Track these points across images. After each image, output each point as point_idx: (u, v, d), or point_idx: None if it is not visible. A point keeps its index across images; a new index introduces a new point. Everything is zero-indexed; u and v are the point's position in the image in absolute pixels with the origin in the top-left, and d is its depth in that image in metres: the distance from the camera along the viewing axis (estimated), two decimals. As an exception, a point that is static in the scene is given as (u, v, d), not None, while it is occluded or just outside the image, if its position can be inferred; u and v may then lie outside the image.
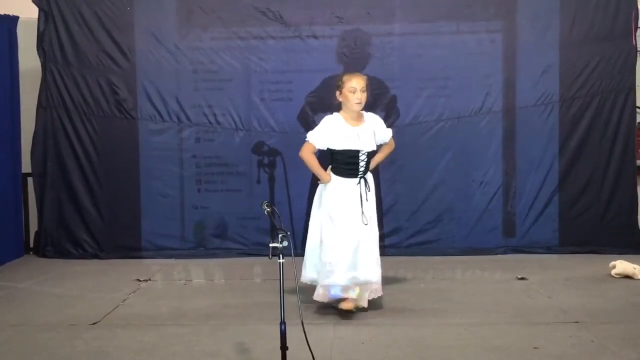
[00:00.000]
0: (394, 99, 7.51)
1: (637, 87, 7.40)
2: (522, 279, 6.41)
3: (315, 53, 7.51)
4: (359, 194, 5.36)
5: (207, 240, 7.64)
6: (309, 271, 5.49)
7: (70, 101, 7.52)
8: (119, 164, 7.55)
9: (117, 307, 5.70)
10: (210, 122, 7.56)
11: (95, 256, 7.52)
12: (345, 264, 5.26)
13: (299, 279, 5.41)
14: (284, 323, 3.92)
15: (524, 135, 7.47)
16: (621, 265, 6.42)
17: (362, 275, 5.29)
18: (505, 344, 4.69)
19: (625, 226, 7.43)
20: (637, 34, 7.34)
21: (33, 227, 7.80)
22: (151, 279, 6.66)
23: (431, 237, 7.52)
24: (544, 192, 7.45)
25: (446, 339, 4.81)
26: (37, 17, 7.47)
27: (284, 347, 3.91)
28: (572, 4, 7.36)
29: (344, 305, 5.30)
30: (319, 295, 5.38)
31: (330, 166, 5.49)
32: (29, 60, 7.53)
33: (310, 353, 4.09)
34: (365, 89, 5.33)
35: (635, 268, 6.37)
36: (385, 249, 7.39)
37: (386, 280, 6.42)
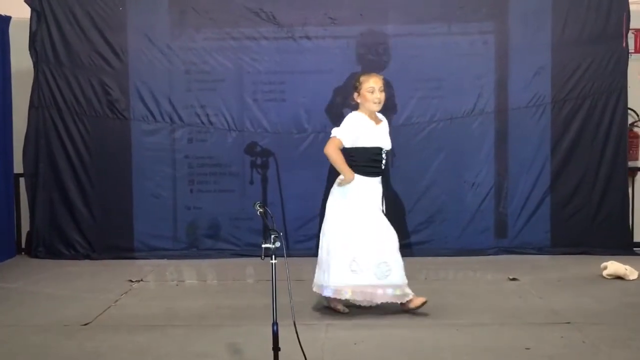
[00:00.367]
0: (387, 99, 7.49)
1: (628, 89, 7.43)
2: (513, 279, 6.42)
3: (308, 54, 7.53)
4: (381, 193, 5.37)
5: (199, 241, 7.64)
6: (336, 276, 5.32)
7: (62, 101, 7.51)
8: (111, 164, 7.54)
9: (109, 307, 5.69)
10: (202, 123, 7.56)
11: (87, 257, 7.51)
12: (372, 263, 5.25)
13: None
14: (277, 324, 3.92)
15: (516, 136, 7.50)
16: (613, 266, 6.44)
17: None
18: (497, 344, 4.71)
19: (616, 227, 7.47)
20: (628, 36, 7.37)
21: (25, 227, 7.78)
22: (143, 279, 6.65)
23: (423, 238, 7.54)
24: (536, 193, 7.48)
25: (438, 339, 4.82)
26: (29, 17, 7.45)
27: (276, 348, 3.91)
28: (564, 6, 7.39)
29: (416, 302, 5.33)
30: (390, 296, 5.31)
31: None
32: (21, 60, 7.51)
33: (302, 354, 4.10)
34: (382, 88, 5.34)
35: (626, 269, 6.40)
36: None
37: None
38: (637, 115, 7.80)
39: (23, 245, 7.80)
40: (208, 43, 7.54)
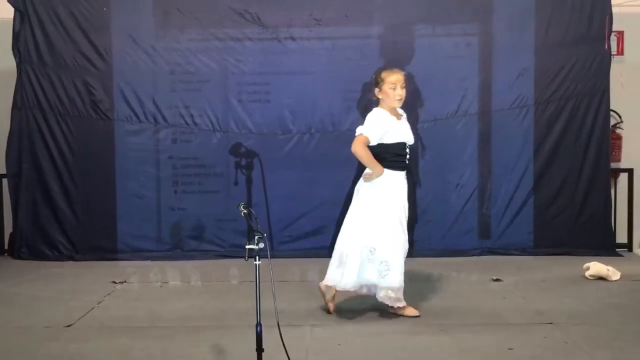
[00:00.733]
0: (371, 101, 7.52)
1: (611, 91, 7.48)
2: (497, 280, 6.45)
3: (293, 55, 7.52)
4: (406, 187, 5.39)
5: (183, 242, 7.62)
6: (352, 275, 5.32)
7: (45, 102, 7.47)
8: (95, 165, 7.51)
9: (92, 309, 5.66)
10: (187, 124, 7.54)
11: (70, 258, 7.47)
12: (403, 262, 5.29)
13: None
14: (260, 325, 3.92)
15: (499, 137, 7.53)
16: (595, 267, 6.48)
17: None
18: (480, 344, 4.73)
19: (599, 228, 7.51)
20: (610, 38, 7.42)
21: (8, 228, 7.74)
22: (127, 281, 6.62)
23: (408, 239, 7.53)
24: (519, 194, 7.51)
25: (422, 340, 4.84)
26: (12, 17, 7.40)
27: (259, 349, 3.91)
28: (547, 8, 7.43)
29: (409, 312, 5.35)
30: (388, 297, 5.30)
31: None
32: (4, 60, 7.49)
33: (286, 355, 4.10)
34: (404, 85, 5.34)
35: (609, 269, 6.44)
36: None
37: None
38: (620, 117, 7.85)
39: (6, 246, 7.76)
40: (192, 44, 7.52)
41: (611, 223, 7.63)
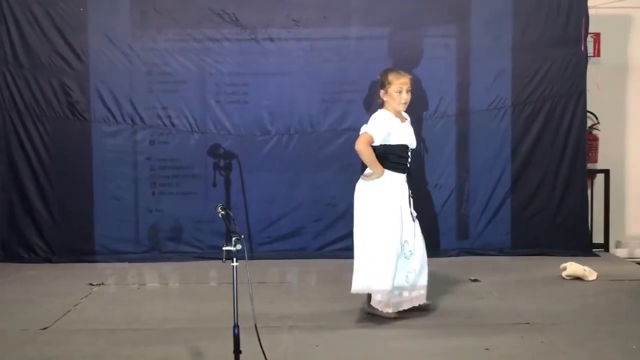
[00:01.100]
0: (350, 102, 7.54)
1: (587, 92, 7.54)
2: (475, 280, 6.48)
3: (272, 56, 7.52)
4: (407, 190, 5.35)
5: (161, 244, 7.58)
6: (359, 280, 5.29)
7: (21, 102, 7.41)
8: (72, 166, 7.46)
9: (69, 311, 5.62)
10: (164, 125, 7.51)
11: (47, 260, 7.40)
12: (393, 266, 5.23)
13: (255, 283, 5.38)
14: (237, 327, 3.91)
15: (477, 138, 7.57)
16: (572, 267, 6.53)
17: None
18: (457, 345, 4.74)
19: (576, 228, 7.57)
20: (587, 40, 7.48)
21: (-16, 230, 7.67)
22: (104, 283, 6.58)
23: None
24: (497, 194, 7.55)
25: (400, 340, 4.85)
26: (-13, 17, 7.35)
27: (237, 351, 3.90)
28: (524, 11, 7.48)
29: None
30: (381, 303, 5.27)
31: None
32: (-21, 61, 7.41)
33: (264, 357, 4.09)
34: (410, 88, 5.32)
35: (585, 270, 6.48)
36: (342, 251, 7.44)
37: (342, 282, 6.45)
38: (596, 118, 7.92)
39: (-19, 249, 7.68)
40: (170, 44, 7.49)
41: (588, 223, 7.69)
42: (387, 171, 5.27)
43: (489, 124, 7.54)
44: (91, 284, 6.47)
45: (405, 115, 5.48)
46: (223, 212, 4.16)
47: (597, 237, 7.83)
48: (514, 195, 7.58)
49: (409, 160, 5.40)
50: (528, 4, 7.47)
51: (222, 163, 7.56)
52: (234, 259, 3.89)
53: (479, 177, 7.58)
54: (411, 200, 5.40)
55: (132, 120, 7.49)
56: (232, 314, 3.93)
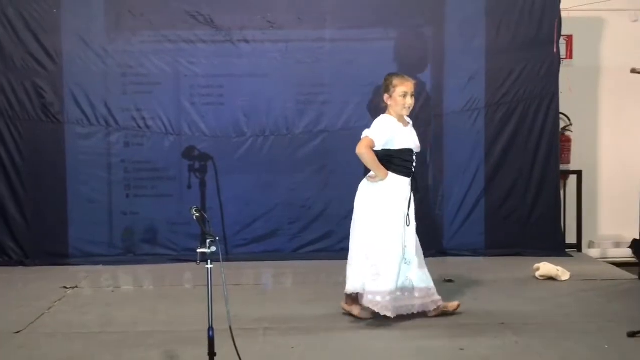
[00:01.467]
0: (325, 104, 7.56)
1: (560, 94, 7.61)
2: (449, 281, 6.50)
3: (247, 57, 7.51)
4: (410, 194, 5.33)
5: (136, 247, 7.54)
6: (356, 280, 5.32)
7: (-6, 105, 7.34)
8: (45, 169, 7.40)
9: (42, 315, 5.58)
10: (139, 127, 7.48)
11: (20, 263, 7.34)
12: (396, 269, 5.23)
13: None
14: (212, 329, 3.90)
15: (451, 140, 7.62)
16: (545, 267, 6.59)
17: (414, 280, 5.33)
18: (432, 345, 4.77)
19: (549, 229, 7.63)
20: (559, 42, 7.56)
21: (-44, 233, 7.58)
22: (78, 286, 6.53)
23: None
24: (471, 195, 7.60)
25: (374, 341, 4.86)
26: (-41, 18, 7.27)
27: (211, 354, 3.90)
28: (498, 13, 7.54)
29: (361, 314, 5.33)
30: (379, 305, 5.24)
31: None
32: (-48, 63, 7.33)
33: (238, 359, 4.09)
34: (414, 93, 5.33)
35: (558, 270, 6.54)
36: (317, 253, 7.47)
37: (318, 284, 6.47)
38: (569, 120, 8.00)
39: (-46, 252, 7.60)
40: (144, 46, 7.46)
41: (561, 224, 7.76)
42: (391, 174, 5.27)
43: (463, 126, 7.58)
44: (65, 287, 6.42)
45: (408, 119, 5.48)
46: (198, 214, 4.16)
47: (570, 238, 7.91)
48: (487, 196, 7.63)
49: (414, 164, 5.39)
50: (501, 6, 7.53)
51: (197, 165, 7.54)
52: (209, 261, 3.89)
53: (453, 178, 7.62)
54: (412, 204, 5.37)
55: (106, 122, 7.44)
56: (206, 316, 3.93)
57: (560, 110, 7.70)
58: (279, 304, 5.84)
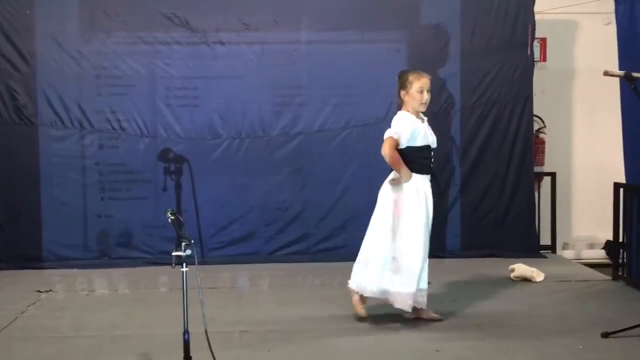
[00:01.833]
0: (301, 106, 7.55)
1: (534, 96, 7.67)
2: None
3: (222, 59, 7.50)
4: (430, 191, 5.28)
5: (111, 250, 7.49)
6: (376, 280, 5.25)
7: (-34, 107, 7.26)
8: (18, 171, 7.32)
9: (15, 319, 5.51)
10: (114, 129, 7.43)
11: (-7, 267, 7.27)
12: (418, 272, 5.20)
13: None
14: (187, 332, 3.89)
15: (427, 142, 7.63)
16: (520, 269, 6.64)
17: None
18: (407, 347, 4.79)
19: (524, 230, 7.69)
20: (533, 45, 7.62)
21: None
22: (52, 289, 6.47)
23: (338, 243, 7.58)
24: (447, 197, 7.62)
25: (351, 343, 4.87)
26: None
27: (187, 357, 3.89)
28: (472, 16, 7.59)
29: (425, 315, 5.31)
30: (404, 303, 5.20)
31: None
32: None
33: (214, 362, 4.08)
34: (429, 89, 5.29)
35: (533, 271, 6.59)
36: (294, 255, 7.46)
37: (294, 287, 6.46)
38: (543, 122, 8.06)
39: None
40: (119, 47, 7.41)
41: (535, 225, 7.82)
42: (413, 174, 5.21)
43: (438, 128, 7.54)
44: (39, 291, 6.36)
45: (423, 115, 5.41)
46: (173, 217, 4.14)
47: (545, 239, 7.97)
48: (463, 197, 7.67)
49: (432, 160, 5.35)
50: (476, 9, 7.59)
51: (172, 167, 7.50)
52: (184, 264, 3.88)
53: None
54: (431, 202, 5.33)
55: (81, 125, 7.39)
56: (181, 320, 3.91)
57: (535, 113, 7.76)
58: (255, 307, 5.82)
